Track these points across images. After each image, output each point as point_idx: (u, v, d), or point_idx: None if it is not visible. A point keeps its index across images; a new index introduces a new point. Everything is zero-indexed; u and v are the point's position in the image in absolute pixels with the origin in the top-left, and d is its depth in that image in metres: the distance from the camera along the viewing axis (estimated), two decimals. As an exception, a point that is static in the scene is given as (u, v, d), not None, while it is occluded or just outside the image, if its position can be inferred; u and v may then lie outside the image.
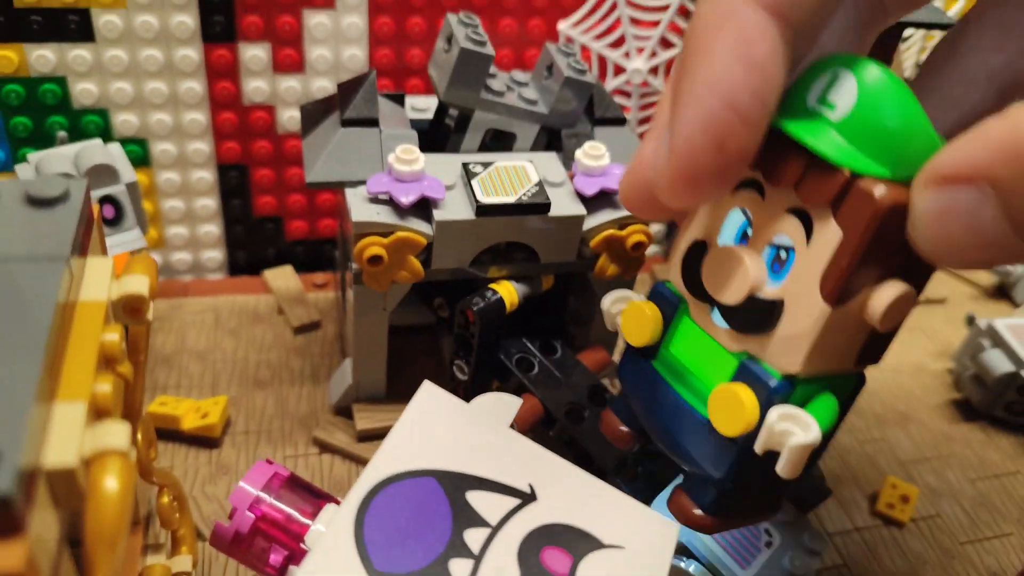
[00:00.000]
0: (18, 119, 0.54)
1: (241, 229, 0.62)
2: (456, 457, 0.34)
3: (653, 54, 0.57)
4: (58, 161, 0.48)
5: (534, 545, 0.31)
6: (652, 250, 0.72)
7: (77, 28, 0.51)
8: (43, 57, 0.52)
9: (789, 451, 0.29)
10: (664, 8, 0.55)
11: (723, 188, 0.27)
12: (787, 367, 0.30)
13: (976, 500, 0.54)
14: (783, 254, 0.29)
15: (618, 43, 0.57)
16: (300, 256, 0.64)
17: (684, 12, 0.57)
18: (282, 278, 0.62)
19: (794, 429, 0.29)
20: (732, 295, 0.30)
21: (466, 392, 0.50)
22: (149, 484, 0.37)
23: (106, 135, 0.55)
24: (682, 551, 0.42)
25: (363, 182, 0.45)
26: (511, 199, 0.45)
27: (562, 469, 0.35)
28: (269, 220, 0.62)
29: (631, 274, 0.50)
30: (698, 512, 0.34)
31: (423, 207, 0.44)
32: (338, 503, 0.37)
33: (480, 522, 0.31)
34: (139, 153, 0.57)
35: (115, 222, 0.49)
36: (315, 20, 0.54)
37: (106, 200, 0.48)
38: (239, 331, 0.58)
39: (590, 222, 0.46)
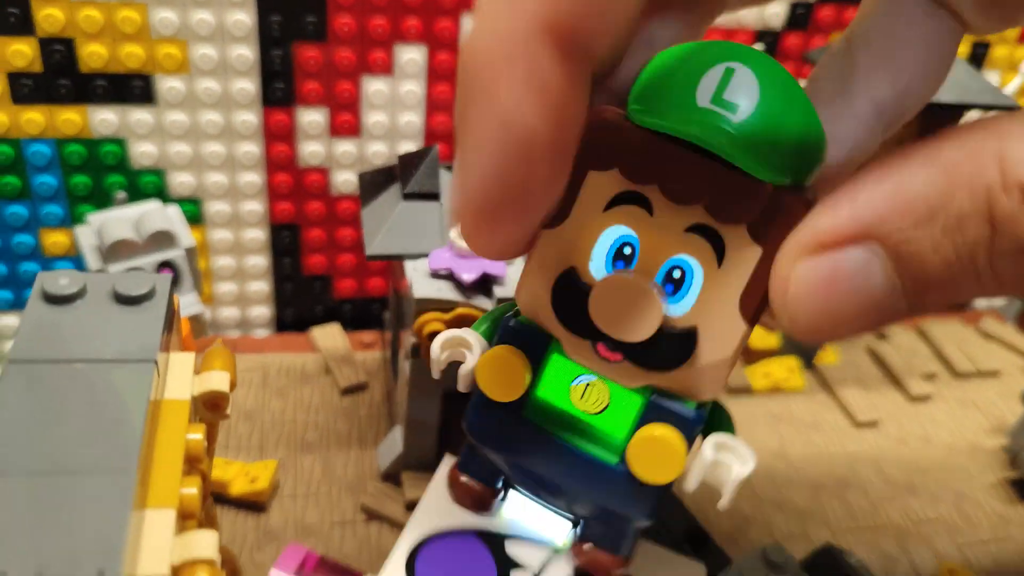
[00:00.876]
0: (78, 178, 0.54)
1: (290, 287, 0.62)
2: (488, 518, 0.35)
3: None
4: (120, 225, 0.48)
5: None
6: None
7: (140, 92, 0.52)
8: (106, 120, 0.52)
9: (734, 486, 0.28)
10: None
11: (527, 232, 0.26)
12: (706, 394, 0.28)
13: (1036, 588, 0.53)
14: (676, 273, 0.27)
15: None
16: (347, 314, 0.64)
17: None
18: (330, 337, 0.61)
19: (733, 461, 0.28)
20: (641, 332, 0.26)
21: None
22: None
23: (162, 194, 0.56)
24: None
25: (424, 255, 0.45)
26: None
27: None
28: (318, 279, 0.62)
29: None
30: (621, 557, 0.32)
31: (484, 282, 0.44)
32: None
33: (522, 569, 0.34)
34: (193, 212, 0.57)
35: (173, 286, 0.49)
36: (373, 87, 0.55)
37: (164, 265, 0.49)
38: (287, 391, 0.58)
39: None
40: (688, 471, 0.28)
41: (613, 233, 0.27)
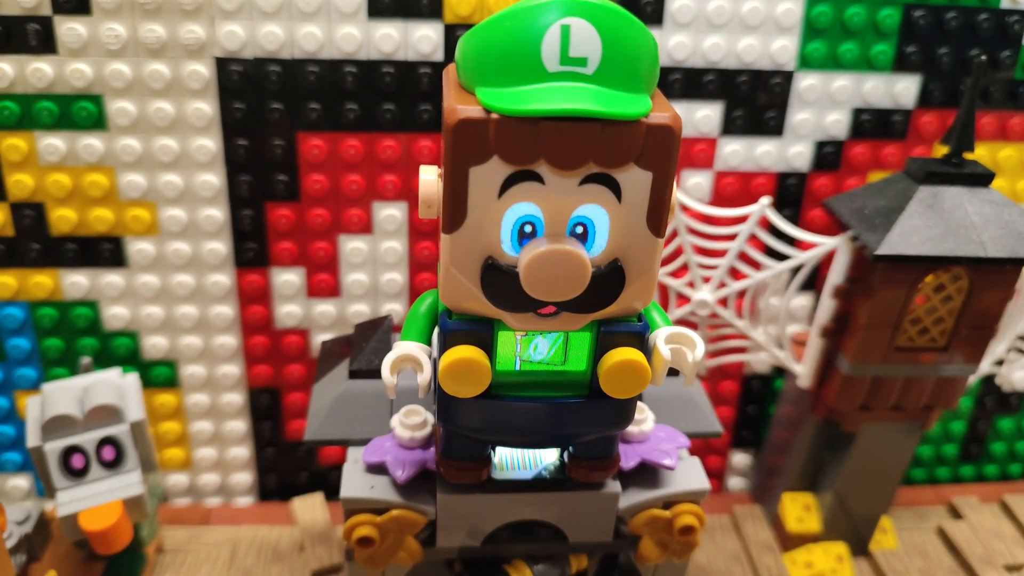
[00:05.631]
0: (50, 341, 0.52)
1: (272, 452, 0.58)
2: None
3: (722, 284, 0.50)
4: (65, 397, 0.46)
5: None
6: (737, 486, 0.63)
7: (110, 255, 0.50)
8: (76, 283, 0.51)
9: (694, 368, 0.32)
10: (731, 237, 0.49)
11: None
12: (642, 306, 0.32)
13: None
14: (578, 229, 0.30)
15: (680, 272, 0.51)
16: (334, 481, 0.59)
17: (755, 244, 0.50)
18: (310, 509, 0.56)
19: (685, 349, 0.32)
20: (576, 288, 0.29)
21: None
22: None
23: (136, 358, 0.53)
24: None
25: (366, 441, 0.40)
26: (528, 474, 0.38)
27: None
28: (301, 444, 0.58)
29: (683, 557, 0.41)
30: (614, 458, 0.37)
31: (427, 477, 0.39)
32: None
33: None
34: (168, 375, 0.54)
35: (114, 464, 0.45)
36: (351, 245, 0.51)
37: (106, 441, 0.45)
38: (253, 572, 0.53)
39: (628, 499, 0.39)
40: (654, 373, 0.32)
41: (514, 213, 0.29)
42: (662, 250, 0.31)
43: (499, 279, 0.30)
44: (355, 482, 0.38)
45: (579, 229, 0.30)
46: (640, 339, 0.32)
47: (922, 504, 0.62)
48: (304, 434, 0.41)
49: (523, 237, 0.30)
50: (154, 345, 0.53)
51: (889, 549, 0.57)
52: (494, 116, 0.27)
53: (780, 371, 0.58)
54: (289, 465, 0.58)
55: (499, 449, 0.38)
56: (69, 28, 0.45)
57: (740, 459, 0.62)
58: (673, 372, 0.37)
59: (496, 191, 0.29)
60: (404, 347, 0.33)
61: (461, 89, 0.29)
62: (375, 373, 0.42)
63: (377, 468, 0.39)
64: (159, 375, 0.54)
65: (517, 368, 0.33)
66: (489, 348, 0.32)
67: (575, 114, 0.27)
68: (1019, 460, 0.66)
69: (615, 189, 0.29)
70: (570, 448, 0.37)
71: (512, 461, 0.39)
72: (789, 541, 0.55)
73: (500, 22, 0.28)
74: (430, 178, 0.31)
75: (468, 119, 0.28)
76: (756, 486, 0.61)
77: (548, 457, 0.39)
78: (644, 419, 0.40)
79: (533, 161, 0.28)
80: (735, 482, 0.63)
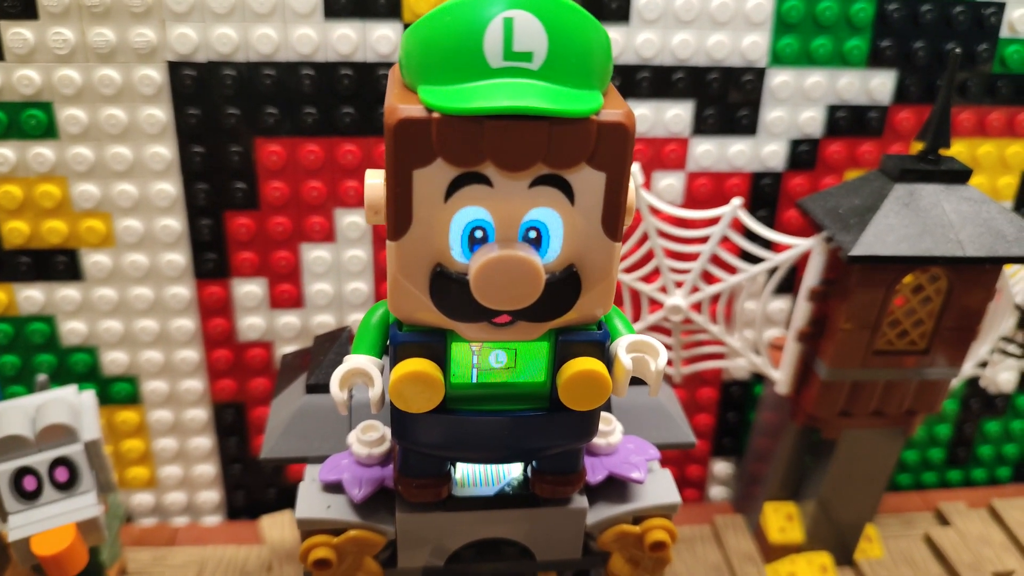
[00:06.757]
0: (6, 358, 0.51)
1: (238, 469, 0.56)
2: None
3: (695, 289, 0.49)
4: (16, 416, 0.44)
5: None
6: (719, 495, 0.61)
7: (65, 268, 0.49)
8: (31, 297, 0.49)
9: (658, 378, 0.31)
10: (704, 240, 0.47)
11: None
12: (601, 313, 0.30)
13: None
14: (531, 234, 0.28)
15: (652, 277, 0.49)
16: (305, 498, 0.57)
17: (729, 247, 0.49)
18: (279, 527, 0.55)
19: (648, 358, 0.31)
20: (530, 296, 0.28)
21: None
22: None
23: (95, 374, 0.52)
24: None
25: (324, 458, 0.38)
26: (490, 490, 0.37)
27: None
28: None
29: (655, 573, 0.40)
30: (579, 472, 0.35)
31: (386, 495, 0.37)
32: None
33: None
34: (130, 391, 0.52)
35: (68, 486, 0.44)
36: (314, 254, 0.50)
37: (60, 462, 0.43)
38: (219, 594, 0.51)
39: (595, 515, 0.37)
40: (616, 383, 0.30)
41: (462, 218, 0.28)
42: (619, 254, 0.30)
43: (449, 288, 0.29)
44: (311, 502, 0.37)
45: (532, 234, 0.29)
46: (600, 348, 0.31)
47: (908, 510, 0.61)
48: (260, 452, 0.39)
49: (474, 243, 0.29)
50: (113, 360, 0.51)
51: (875, 558, 0.55)
52: (435, 115, 0.26)
53: (760, 377, 0.57)
54: (257, 482, 0.57)
55: (460, 465, 0.37)
56: (15, 33, 0.43)
57: (721, 467, 0.60)
58: (642, 381, 0.36)
59: (442, 195, 0.28)
60: (353, 361, 0.32)
61: (404, 88, 0.28)
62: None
63: (334, 486, 0.37)
64: (120, 391, 0.52)
65: (474, 380, 0.32)
66: (442, 360, 0.31)
67: (519, 112, 0.26)
68: (1007, 463, 0.65)
69: (567, 191, 0.28)
70: (533, 463, 0.35)
71: (474, 477, 0.37)
72: (771, 552, 0.53)
73: (441, 16, 0.26)
74: (375, 182, 0.30)
75: (408, 119, 0.26)
76: (738, 495, 0.59)
77: (511, 472, 0.37)
78: (611, 430, 0.38)
79: (479, 163, 0.27)
80: (717, 491, 0.61)
